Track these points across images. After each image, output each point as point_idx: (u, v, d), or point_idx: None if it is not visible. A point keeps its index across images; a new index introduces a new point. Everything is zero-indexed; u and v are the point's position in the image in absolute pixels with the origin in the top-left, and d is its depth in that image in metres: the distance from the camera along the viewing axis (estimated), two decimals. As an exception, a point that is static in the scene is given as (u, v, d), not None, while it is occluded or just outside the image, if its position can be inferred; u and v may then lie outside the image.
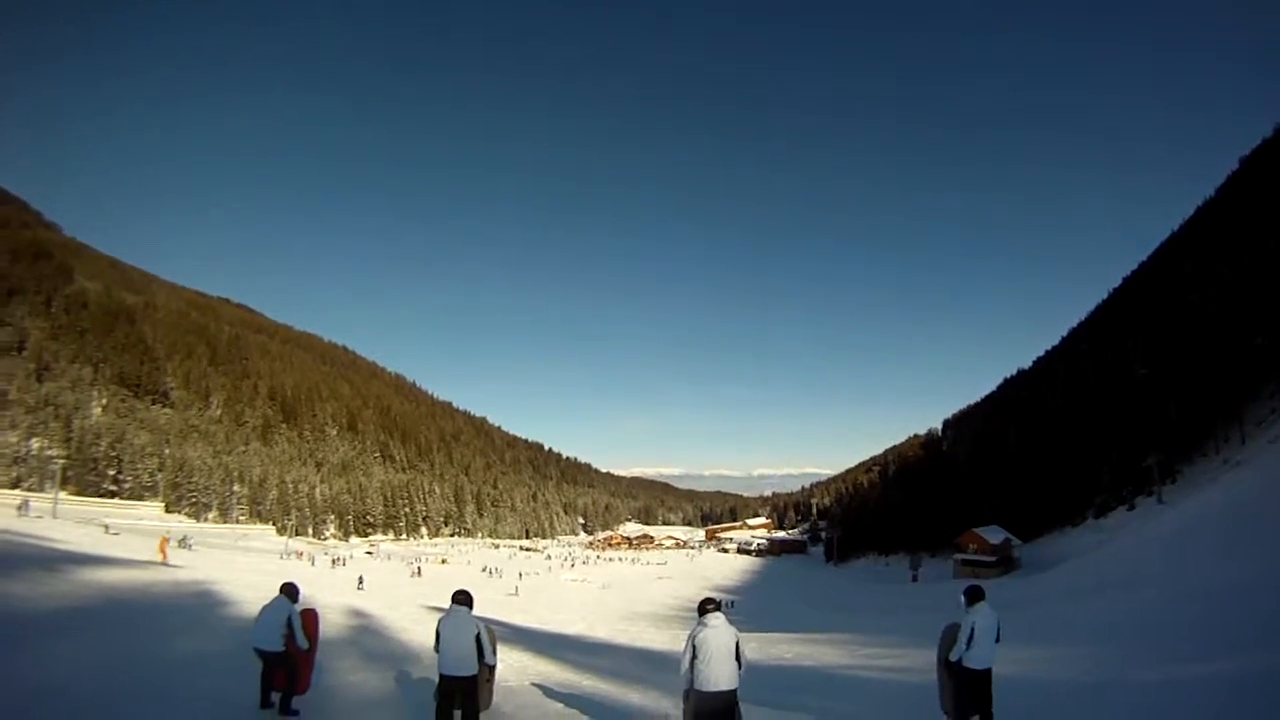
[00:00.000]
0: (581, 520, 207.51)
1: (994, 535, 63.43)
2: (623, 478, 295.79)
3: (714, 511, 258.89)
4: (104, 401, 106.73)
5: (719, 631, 5.82)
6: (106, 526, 45.94)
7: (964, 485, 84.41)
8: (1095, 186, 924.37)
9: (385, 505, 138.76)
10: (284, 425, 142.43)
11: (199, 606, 15.12)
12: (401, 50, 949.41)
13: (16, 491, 63.83)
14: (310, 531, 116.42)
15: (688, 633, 6.00)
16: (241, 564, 36.80)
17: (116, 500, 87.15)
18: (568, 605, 44.09)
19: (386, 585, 44.95)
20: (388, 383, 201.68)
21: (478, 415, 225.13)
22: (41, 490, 71.83)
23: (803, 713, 9.03)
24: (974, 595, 7.18)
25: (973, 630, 6.96)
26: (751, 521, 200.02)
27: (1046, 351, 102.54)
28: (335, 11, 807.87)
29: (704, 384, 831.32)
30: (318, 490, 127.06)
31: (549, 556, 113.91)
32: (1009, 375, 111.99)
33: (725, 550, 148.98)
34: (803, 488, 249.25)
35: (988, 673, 7.01)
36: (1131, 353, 68.72)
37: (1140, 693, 8.93)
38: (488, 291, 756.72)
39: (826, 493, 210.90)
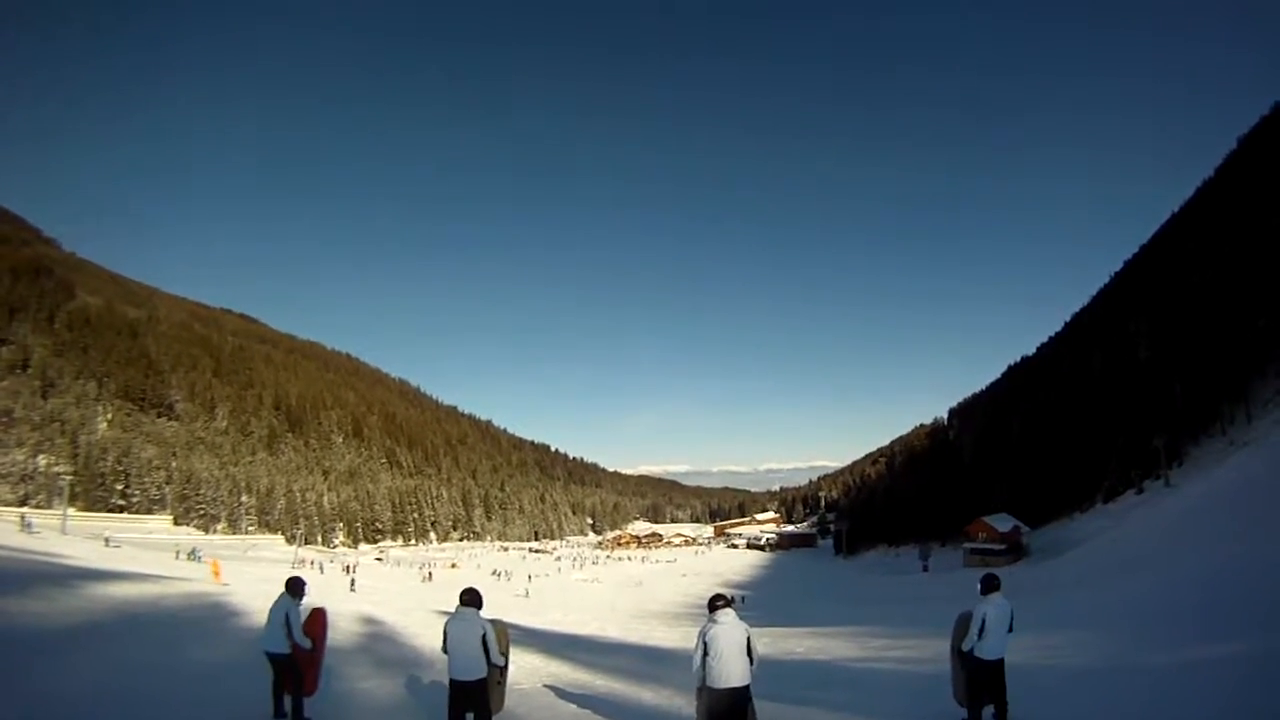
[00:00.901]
0: (590, 520, 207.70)
1: (1003, 523, 63.41)
2: (630, 476, 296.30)
3: (722, 508, 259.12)
4: (109, 416, 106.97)
5: (730, 628, 5.80)
6: (106, 540, 45.94)
7: (971, 474, 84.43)
8: (1094, 172, 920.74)
9: (393, 511, 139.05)
10: (290, 434, 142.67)
11: (211, 618, 15.15)
12: (397, 57, 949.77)
13: (23, 509, 63.98)
14: (319, 540, 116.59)
15: (699, 630, 5.99)
16: (253, 574, 36.88)
17: (125, 515, 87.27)
18: (578, 606, 44.11)
19: (397, 591, 45.06)
20: (392, 389, 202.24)
21: (483, 418, 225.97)
22: (50, 507, 72.02)
23: (816, 707, 9.02)
24: (989, 584, 7.16)
25: (984, 621, 6.93)
26: (760, 516, 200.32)
27: (1050, 338, 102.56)
28: (333, 17, 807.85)
29: (709, 380, 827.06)
30: (325, 498, 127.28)
31: (558, 558, 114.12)
32: (1013, 363, 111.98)
33: (734, 546, 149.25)
34: (810, 481, 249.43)
35: (1000, 663, 6.98)
36: (1135, 336, 68.64)
37: (1151, 676, 8.93)
38: (488, 295, 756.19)
39: (834, 485, 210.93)
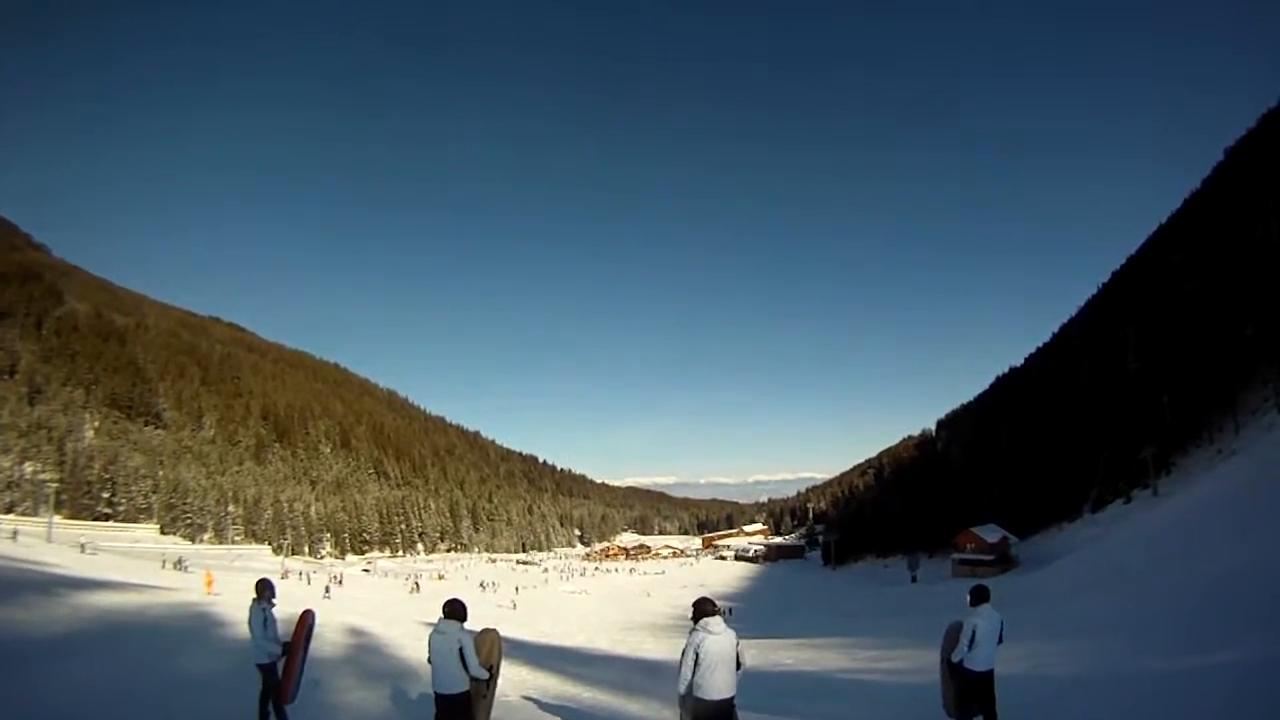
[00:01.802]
0: (578, 532, 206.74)
1: (991, 534, 63.54)
2: (618, 488, 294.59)
3: (710, 519, 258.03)
4: (96, 424, 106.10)
5: (720, 639, 5.74)
6: (82, 546, 45.43)
7: (959, 485, 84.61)
8: (1081, 181, 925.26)
9: (381, 522, 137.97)
10: (277, 444, 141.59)
11: (197, 627, 15.03)
12: (386, 68, 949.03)
13: (10, 517, 63.40)
14: (306, 550, 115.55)
15: (689, 639, 5.88)
16: (239, 584, 36.57)
17: (111, 523, 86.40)
18: (566, 617, 43.98)
19: (384, 602, 44.75)
20: (380, 399, 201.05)
21: (471, 429, 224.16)
22: (35, 514, 71.27)
23: (805, 718, 9.01)
24: (978, 596, 7.14)
25: (974, 633, 6.93)
26: (748, 528, 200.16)
27: (1039, 348, 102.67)
28: (324, 26, 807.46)
29: (697, 392, 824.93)
30: (313, 509, 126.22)
31: (546, 569, 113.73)
32: (1001, 374, 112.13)
33: (723, 558, 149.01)
34: (798, 493, 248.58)
35: (989, 674, 6.99)
36: (1123, 346, 69.06)
37: (1141, 685, 8.97)
38: (477, 306, 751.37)
39: (822, 497, 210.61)
